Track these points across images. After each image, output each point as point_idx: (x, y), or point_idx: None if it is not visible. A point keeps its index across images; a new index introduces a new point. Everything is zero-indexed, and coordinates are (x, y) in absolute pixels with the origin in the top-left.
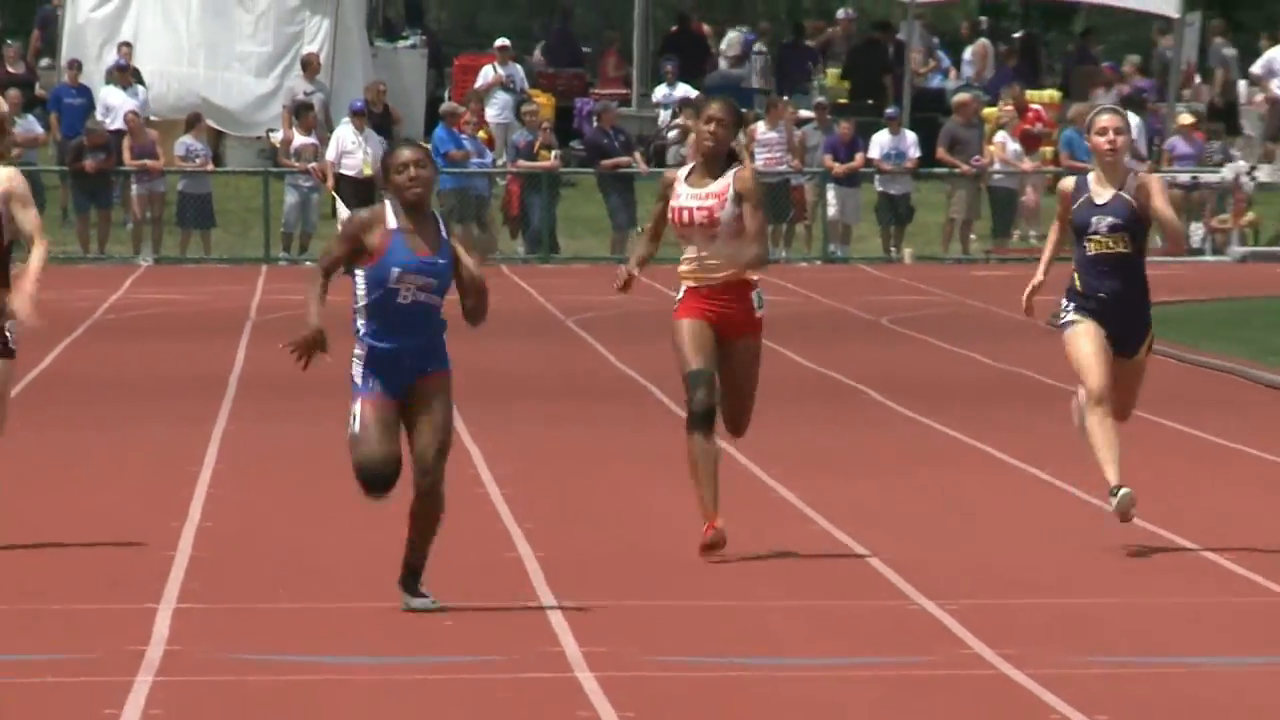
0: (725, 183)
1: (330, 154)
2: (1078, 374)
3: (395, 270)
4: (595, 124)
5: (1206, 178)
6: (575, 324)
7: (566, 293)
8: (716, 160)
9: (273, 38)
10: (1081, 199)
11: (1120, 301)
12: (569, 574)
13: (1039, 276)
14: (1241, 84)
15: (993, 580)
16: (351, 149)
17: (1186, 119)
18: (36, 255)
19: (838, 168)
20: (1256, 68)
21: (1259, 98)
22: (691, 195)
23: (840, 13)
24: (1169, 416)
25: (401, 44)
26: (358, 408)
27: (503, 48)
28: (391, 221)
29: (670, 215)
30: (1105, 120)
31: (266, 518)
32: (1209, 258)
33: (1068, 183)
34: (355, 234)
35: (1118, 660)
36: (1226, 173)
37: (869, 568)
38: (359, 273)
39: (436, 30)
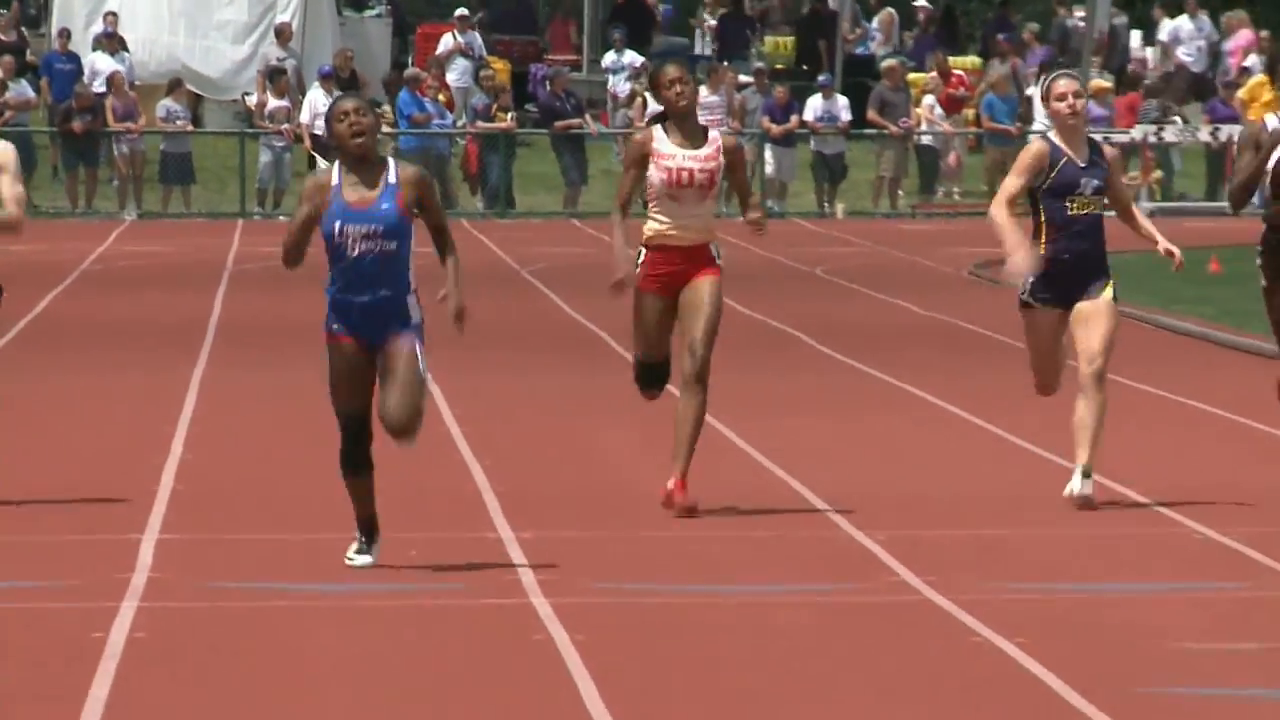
0: (715, 144)
1: (304, 116)
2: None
3: (336, 223)
4: (548, 88)
5: (1116, 138)
6: (530, 274)
7: (522, 245)
8: (690, 119)
9: (248, 8)
10: (1063, 161)
11: (1085, 259)
12: (525, 507)
13: (1021, 238)
14: (1148, 51)
15: (918, 513)
16: (323, 110)
17: (1101, 84)
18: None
19: (775, 129)
20: (1164, 35)
21: (1169, 67)
22: (689, 157)
23: None
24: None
25: (368, 14)
26: (327, 352)
27: (462, 17)
28: (335, 177)
29: (664, 176)
30: (1063, 85)
31: (242, 455)
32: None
33: (1040, 146)
34: (310, 195)
35: (1033, 586)
36: (1135, 133)
37: (805, 501)
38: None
39: (400, 1)
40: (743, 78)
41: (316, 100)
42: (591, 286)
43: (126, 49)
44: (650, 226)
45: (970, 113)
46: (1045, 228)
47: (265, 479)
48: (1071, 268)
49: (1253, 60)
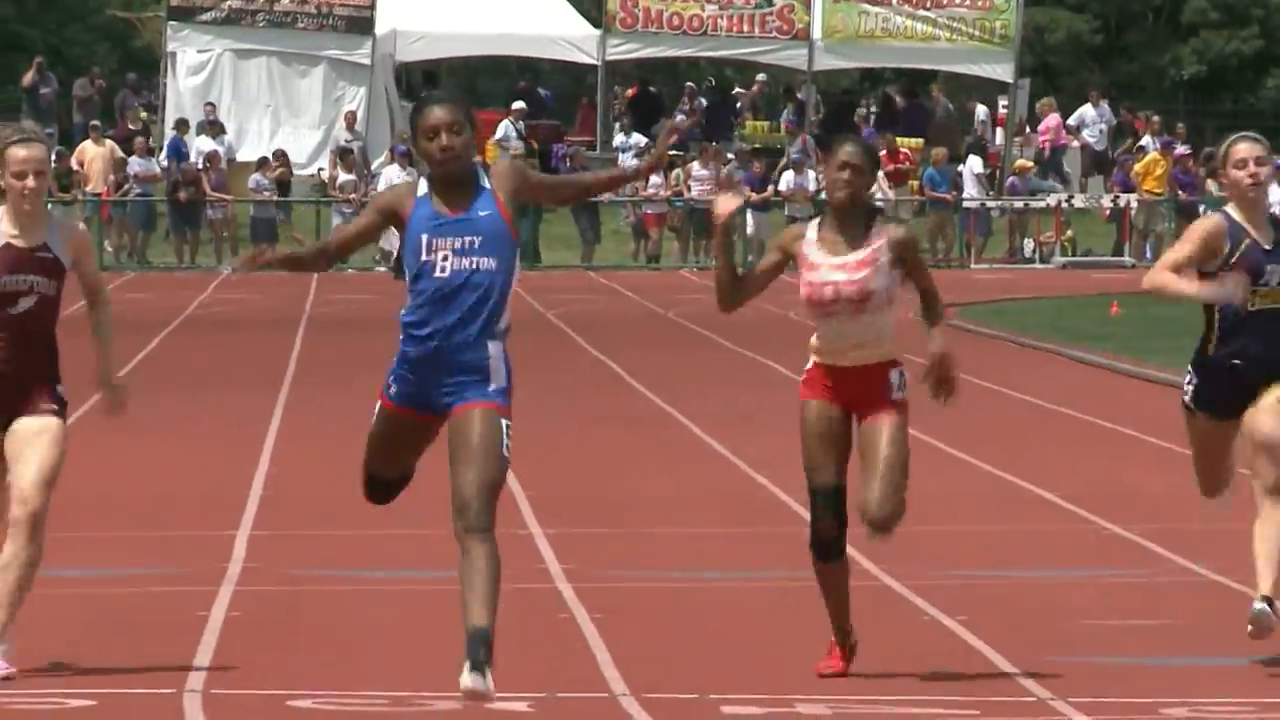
0: (875, 245)
1: (382, 187)
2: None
3: (423, 236)
4: (568, 164)
5: (1035, 204)
6: (554, 317)
7: (547, 293)
8: (852, 214)
9: (321, 99)
10: (1246, 242)
11: (1263, 365)
12: (552, 508)
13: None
14: (1062, 132)
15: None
16: (398, 182)
17: (1023, 163)
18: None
19: (755, 196)
20: (1072, 120)
21: (1074, 143)
22: (834, 266)
23: (759, 77)
24: (1005, 386)
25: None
26: (382, 415)
27: (518, 110)
28: (422, 188)
29: (805, 292)
30: (1244, 150)
31: (318, 466)
32: (1037, 265)
33: (1216, 222)
34: (385, 204)
35: (969, 573)
36: (1050, 199)
37: (781, 502)
38: (400, 240)
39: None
40: (728, 154)
41: (392, 174)
42: (606, 328)
43: (225, 132)
44: (813, 342)
45: (914, 184)
46: (1216, 323)
47: (336, 486)
48: (1246, 373)
49: (1146, 139)
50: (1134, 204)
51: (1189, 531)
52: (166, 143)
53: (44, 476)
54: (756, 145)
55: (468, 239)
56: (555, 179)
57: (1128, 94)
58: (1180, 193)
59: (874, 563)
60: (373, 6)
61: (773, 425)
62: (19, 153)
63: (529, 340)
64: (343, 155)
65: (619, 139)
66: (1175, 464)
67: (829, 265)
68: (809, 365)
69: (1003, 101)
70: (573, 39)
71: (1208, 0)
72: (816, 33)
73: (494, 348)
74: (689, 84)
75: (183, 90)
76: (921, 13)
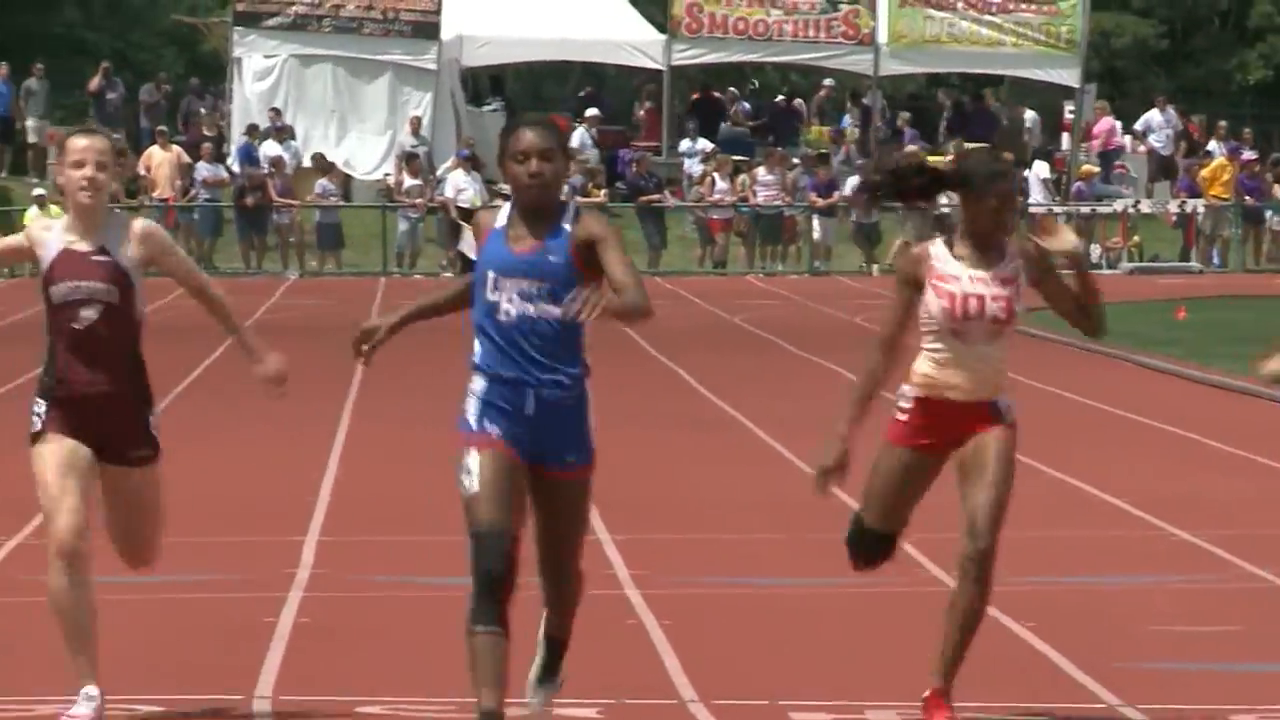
0: (1015, 259)
1: (448, 191)
2: None
3: (490, 273)
4: (634, 170)
5: (1101, 209)
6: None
7: None
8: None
9: (387, 105)
10: None
11: None
12: (620, 513)
13: None
14: (1127, 138)
15: (943, 518)
16: (464, 186)
17: (1088, 168)
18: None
19: (820, 202)
20: (1139, 125)
21: (1140, 149)
22: (975, 278)
23: (826, 82)
24: (1071, 391)
25: (485, 108)
26: (469, 455)
27: (592, 117)
28: (501, 219)
29: (942, 304)
30: None
31: (385, 472)
32: (1104, 270)
33: None
34: (478, 236)
35: (1037, 579)
36: (1117, 205)
37: (843, 506)
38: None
39: (512, 97)
40: (794, 159)
41: (458, 178)
42: (678, 335)
43: (294, 138)
44: (920, 370)
45: None
46: None
47: (402, 492)
48: None
49: (1213, 145)
50: (1200, 209)
51: (1257, 537)
52: (236, 148)
53: (149, 543)
54: (821, 150)
55: (534, 283)
56: (617, 268)
57: (1194, 99)
58: (1246, 198)
59: (943, 570)
60: (438, 11)
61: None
62: (79, 141)
63: (595, 345)
64: (408, 160)
65: (684, 144)
66: (1242, 469)
67: (970, 277)
68: (907, 403)
69: (1069, 107)
70: (638, 44)
71: (1274, 4)
72: (882, 37)
73: (568, 396)
74: (730, 89)
75: (249, 95)
76: (987, 17)
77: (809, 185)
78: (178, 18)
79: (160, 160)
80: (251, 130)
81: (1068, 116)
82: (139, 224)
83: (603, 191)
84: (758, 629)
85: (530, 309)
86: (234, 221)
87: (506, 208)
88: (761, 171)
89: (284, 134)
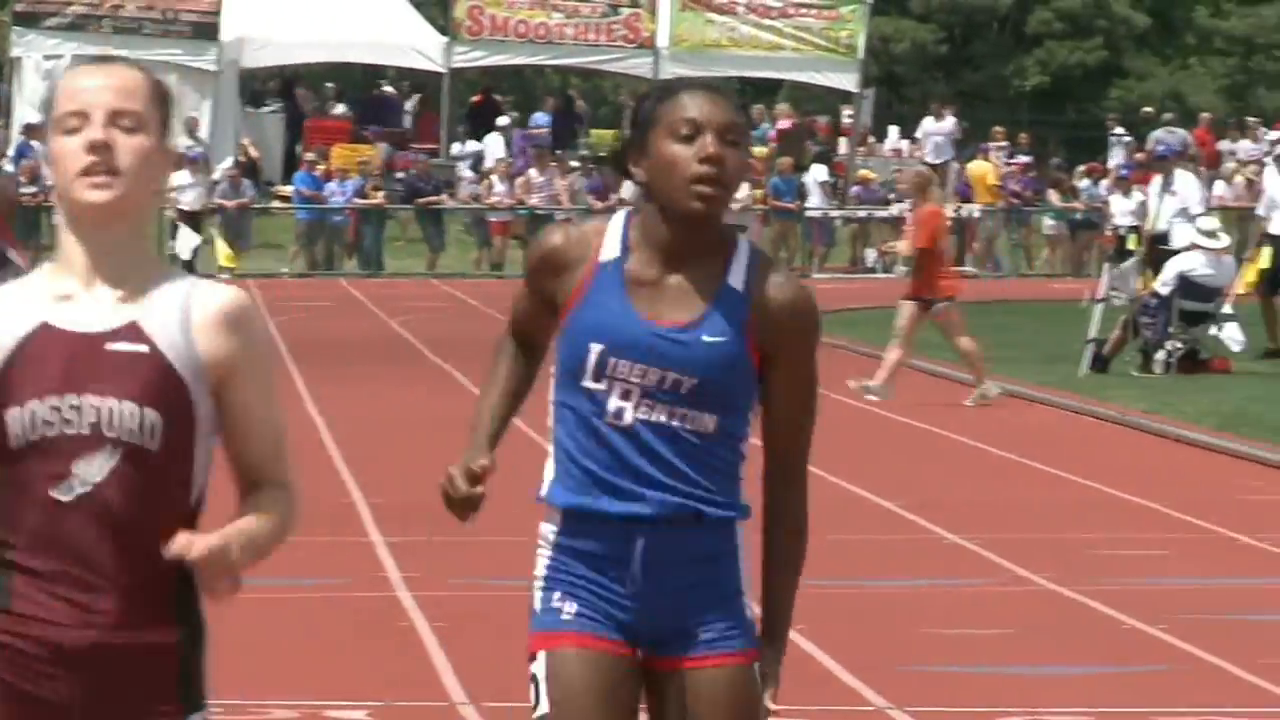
0: None
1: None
2: None
3: (594, 346)
4: (412, 171)
5: (878, 213)
6: (397, 324)
7: (391, 300)
8: None
9: None
10: None
11: None
12: (393, 515)
13: None
14: (905, 143)
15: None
16: (188, 186)
17: (866, 173)
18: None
19: (598, 205)
20: (919, 133)
21: (918, 153)
22: None
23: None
24: (847, 395)
25: (264, 109)
26: (542, 665)
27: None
28: (611, 248)
29: None
30: None
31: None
32: (880, 275)
33: None
34: (539, 268)
35: (810, 582)
36: (894, 209)
37: None
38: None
39: (295, 99)
40: (572, 163)
41: (181, 178)
42: (448, 328)
43: None
44: None
45: (759, 193)
46: None
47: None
48: None
49: (989, 149)
50: (975, 214)
51: (1029, 541)
52: (14, 147)
53: None
54: (602, 153)
55: (676, 376)
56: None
57: (973, 104)
58: (1014, 201)
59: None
60: (218, 13)
61: None
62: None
63: (373, 349)
64: (186, 162)
65: (455, 147)
66: (1016, 474)
67: None
68: None
69: (847, 112)
70: (419, 46)
71: (1052, 11)
72: (663, 41)
73: (726, 543)
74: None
75: (29, 95)
76: (768, 22)
77: (587, 188)
78: None
79: None
80: (30, 130)
81: (846, 121)
82: (226, 296)
83: (381, 193)
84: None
85: (663, 416)
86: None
87: (617, 226)
88: (534, 173)
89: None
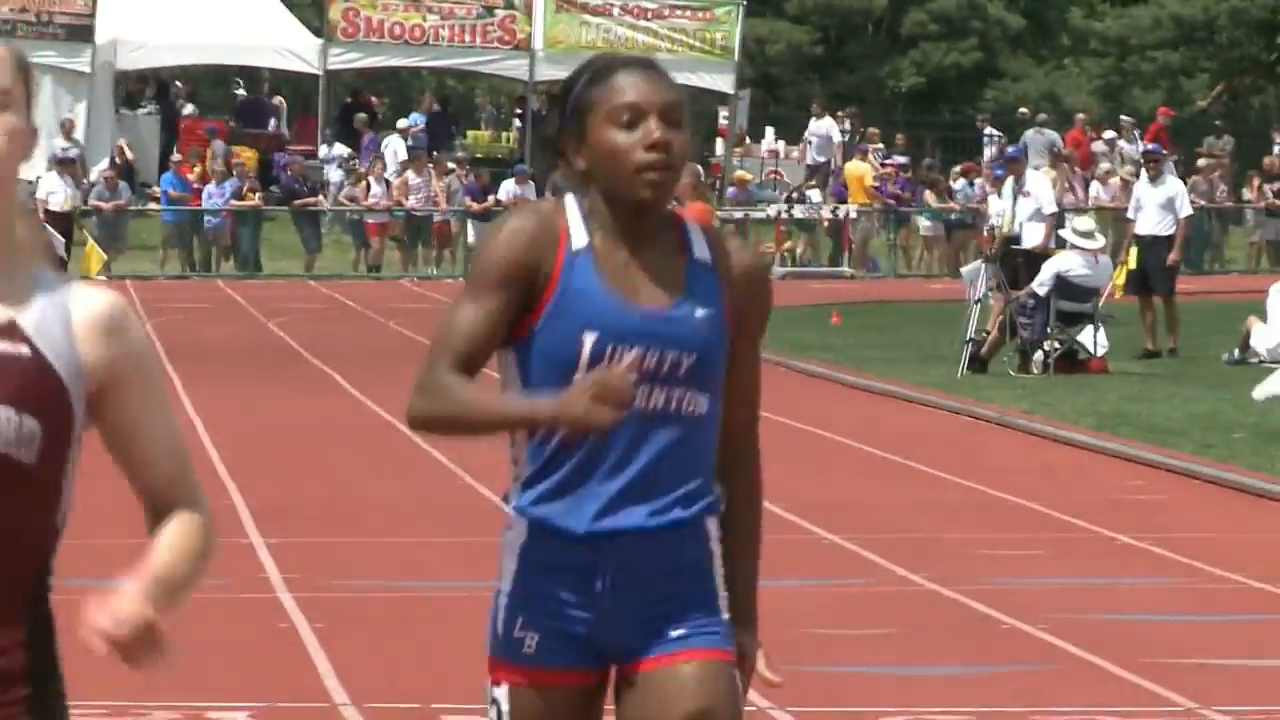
0: None
1: (40, 194)
2: None
3: (588, 336)
4: (289, 173)
5: (755, 214)
6: (275, 325)
7: (268, 302)
8: None
9: (41, 109)
10: None
11: None
12: (274, 517)
13: None
14: (781, 143)
15: None
16: (55, 189)
17: (742, 174)
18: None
19: (476, 206)
20: (808, 135)
21: (794, 154)
22: None
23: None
24: None
25: (140, 111)
26: (504, 695)
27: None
28: (578, 234)
29: None
30: None
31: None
32: None
33: None
34: (514, 264)
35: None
36: (770, 210)
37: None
38: (510, 356)
39: (173, 101)
40: (450, 164)
41: (50, 181)
42: (324, 330)
43: None
44: None
45: None
46: None
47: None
48: None
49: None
50: (853, 214)
51: (909, 541)
52: None
53: None
54: (478, 155)
55: (675, 356)
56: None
57: (848, 105)
58: (890, 201)
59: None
60: (93, 14)
61: (498, 440)
62: None
63: (246, 345)
64: (61, 164)
65: (323, 150)
66: (895, 474)
67: None
68: None
69: (723, 113)
70: (294, 48)
71: (926, 13)
72: (538, 43)
73: (710, 541)
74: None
75: None
76: (643, 24)
77: (464, 190)
78: None
79: None
80: None
81: (722, 122)
82: (105, 299)
83: (257, 195)
84: (411, 632)
85: (661, 400)
86: None
87: (575, 211)
88: (411, 175)
89: None
